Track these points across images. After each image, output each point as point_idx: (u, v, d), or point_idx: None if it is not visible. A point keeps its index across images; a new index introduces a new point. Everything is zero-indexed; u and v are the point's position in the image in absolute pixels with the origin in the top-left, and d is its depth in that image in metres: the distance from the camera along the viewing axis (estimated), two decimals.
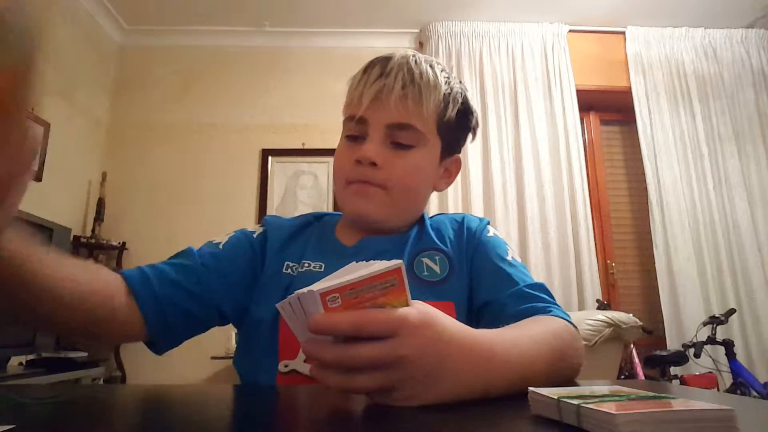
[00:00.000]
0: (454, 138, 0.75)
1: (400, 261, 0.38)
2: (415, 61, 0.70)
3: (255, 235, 0.75)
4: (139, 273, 0.62)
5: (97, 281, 0.57)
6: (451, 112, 0.72)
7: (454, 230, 0.77)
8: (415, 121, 0.69)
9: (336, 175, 0.75)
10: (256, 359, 0.67)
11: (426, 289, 0.68)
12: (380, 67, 0.69)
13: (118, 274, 0.61)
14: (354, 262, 0.40)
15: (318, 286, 0.37)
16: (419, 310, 0.40)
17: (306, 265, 0.70)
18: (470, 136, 0.79)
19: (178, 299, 0.63)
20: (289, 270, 0.70)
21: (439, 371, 0.39)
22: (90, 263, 0.59)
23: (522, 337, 0.50)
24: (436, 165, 0.74)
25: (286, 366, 0.63)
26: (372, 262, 0.39)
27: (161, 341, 0.64)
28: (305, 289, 0.37)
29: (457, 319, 0.71)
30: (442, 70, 0.72)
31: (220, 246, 0.71)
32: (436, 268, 0.71)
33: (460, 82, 0.76)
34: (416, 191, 0.74)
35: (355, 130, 0.71)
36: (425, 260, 0.71)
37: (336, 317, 0.37)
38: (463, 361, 0.41)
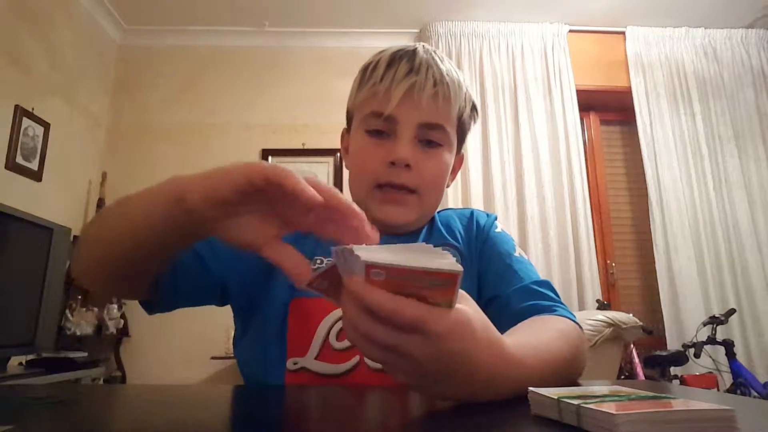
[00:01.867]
0: (465, 135, 0.76)
1: (461, 269, 0.35)
2: (439, 58, 0.69)
3: None
4: None
5: None
6: (467, 110, 0.72)
7: (464, 225, 0.76)
8: (444, 120, 0.68)
9: (359, 174, 0.71)
10: (263, 356, 0.65)
11: None
12: (408, 62, 0.67)
13: None
14: (424, 244, 0.38)
15: (369, 255, 0.35)
16: (458, 316, 0.37)
17: (318, 261, 0.68)
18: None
19: (194, 269, 0.62)
20: None
21: (451, 378, 0.38)
22: None
23: (540, 347, 0.49)
24: (452, 163, 0.75)
25: (295, 363, 0.62)
26: (437, 250, 0.37)
27: (161, 305, 0.62)
28: (357, 251, 0.35)
29: None
30: (456, 68, 0.72)
31: None
32: None
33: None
34: (441, 191, 0.73)
35: (382, 126, 0.68)
36: None
37: (370, 290, 0.35)
38: (482, 374, 0.40)
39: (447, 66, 0.69)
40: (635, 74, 3.21)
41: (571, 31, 3.26)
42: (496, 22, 3.22)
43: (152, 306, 0.63)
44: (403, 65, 0.67)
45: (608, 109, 3.39)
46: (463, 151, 0.79)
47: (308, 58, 3.27)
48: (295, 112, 3.18)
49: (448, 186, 0.78)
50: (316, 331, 0.62)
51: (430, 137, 0.68)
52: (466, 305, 0.39)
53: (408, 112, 0.66)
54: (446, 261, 0.35)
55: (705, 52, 3.28)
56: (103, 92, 3.11)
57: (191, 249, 0.62)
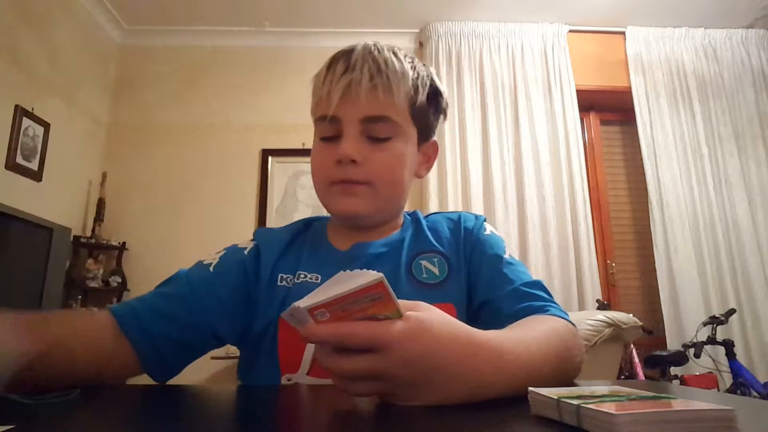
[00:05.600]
0: (428, 122, 0.75)
1: (380, 275, 0.37)
2: (378, 50, 0.69)
3: (246, 252, 0.73)
4: (128, 310, 0.61)
5: (84, 334, 0.58)
6: (422, 96, 0.71)
7: (451, 229, 0.76)
8: (389, 111, 0.68)
9: (316, 179, 0.72)
10: (259, 373, 0.66)
11: (426, 292, 0.67)
12: (344, 61, 0.68)
13: (106, 311, 0.60)
14: (342, 272, 0.40)
15: (305, 302, 0.38)
16: (409, 321, 0.39)
17: (302, 276, 0.69)
18: (441, 117, 0.78)
19: (171, 332, 0.62)
20: (284, 282, 0.69)
21: (431, 380, 0.39)
22: (75, 312, 0.61)
23: (527, 338, 0.49)
24: (415, 152, 0.74)
25: (288, 380, 0.63)
26: (357, 272, 0.39)
27: (160, 373, 0.63)
28: (297, 303, 0.38)
29: (458, 320, 0.69)
30: (405, 56, 0.71)
31: (211, 268, 0.69)
32: (435, 270, 0.70)
33: (424, 65, 0.74)
34: (400, 183, 0.72)
35: (330, 130, 0.69)
36: (423, 263, 0.71)
37: (318, 328, 0.38)
38: (463, 367, 0.40)
39: (389, 57, 0.68)
40: (635, 74, 3.21)
41: (571, 31, 3.26)
42: (496, 22, 3.22)
43: (154, 377, 0.64)
44: (340, 66, 0.68)
45: (608, 109, 3.39)
46: (435, 138, 0.78)
47: (308, 58, 3.25)
48: (295, 112, 3.16)
49: (420, 176, 0.78)
50: (305, 346, 0.62)
51: (375, 132, 0.68)
52: (420, 310, 0.41)
53: (348, 110, 0.67)
54: (366, 277, 0.38)
55: (705, 52, 3.28)
56: (103, 92, 3.11)
57: (167, 317, 0.63)
